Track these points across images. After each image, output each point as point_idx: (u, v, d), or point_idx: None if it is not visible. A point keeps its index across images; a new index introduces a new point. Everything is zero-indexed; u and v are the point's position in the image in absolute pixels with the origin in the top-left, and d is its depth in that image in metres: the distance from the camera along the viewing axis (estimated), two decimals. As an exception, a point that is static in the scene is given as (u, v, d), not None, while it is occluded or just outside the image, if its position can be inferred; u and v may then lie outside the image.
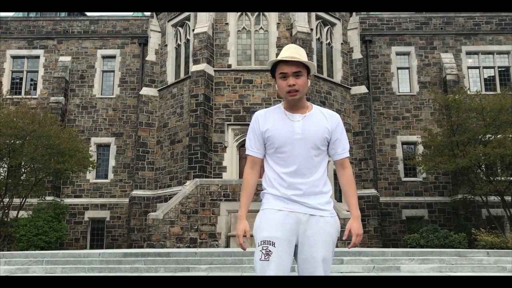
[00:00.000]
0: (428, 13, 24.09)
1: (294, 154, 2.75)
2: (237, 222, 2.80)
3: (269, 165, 2.84)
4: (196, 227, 15.79)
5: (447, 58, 22.29)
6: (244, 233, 2.74)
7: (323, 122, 2.82)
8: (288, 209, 2.70)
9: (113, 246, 20.80)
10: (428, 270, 9.31)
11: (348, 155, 2.91)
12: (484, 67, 22.84)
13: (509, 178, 17.02)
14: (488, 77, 22.86)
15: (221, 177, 17.74)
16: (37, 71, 23.15)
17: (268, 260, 2.59)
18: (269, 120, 2.83)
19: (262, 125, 2.83)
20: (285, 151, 2.77)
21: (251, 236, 2.76)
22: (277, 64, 2.82)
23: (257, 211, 2.81)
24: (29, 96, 22.50)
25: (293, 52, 2.78)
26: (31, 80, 23.33)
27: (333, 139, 2.84)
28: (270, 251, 2.60)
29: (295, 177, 2.74)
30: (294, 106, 2.83)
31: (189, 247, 15.42)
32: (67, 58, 22.91)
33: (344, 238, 2.76)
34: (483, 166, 17.67)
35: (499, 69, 22.77)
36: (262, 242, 2.63)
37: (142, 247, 18.37)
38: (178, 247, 15.32)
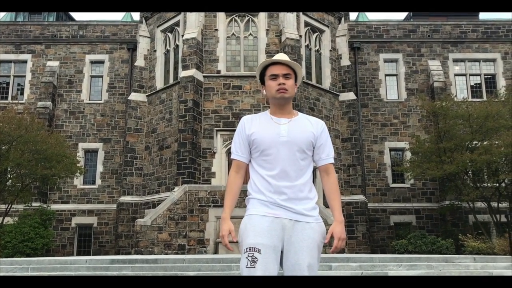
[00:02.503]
0: (415, 20, 24.35)
1: (280, 157, 2.78)
2: (221, 223, 2.79)
3: (254, 170, 2.86)
4: (184, 234, 15.71)
5: (434, 65, 22.53)
6: (229, 232, 2.73)
7: (309, 127, 2.88)
8: (273, 215, 2.70)
9: (101, 252, 20.61)
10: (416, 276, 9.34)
11: (333, 161, 2.94)
12: (471, 75, 23.11)
13: (495, 184, 17.19)
14: (475, 84, 23.13)
15: (210, 183, 17.70)
16: (24, 76, 22.93)
17: (255, 267, 2.58)
18: (255, 124, 2.88)
19: (248, 128, 2.88)
20: (270, 154, 2.79)
21: (236, 242, 2.75)
22: (265, 70, 2.92)
23: (242, 217, 2.79)
24: (16, 101, 22.26)
25: (283, 57, 2.91)
26: (18, 85, 23.11)
27: (318, 144, 2.88)
28: (256, 258, 2.60)
29: (281, 180, 2.75)
30: (281, 111, 2.89)
31: (177, 253, 15.33)
32: (55, 63, 22.75)
33: (325, 241, 2.77)
34: (470, 172, 17.83)
35: (485, 76, 23.05)
36: (248, 249, 2.63)
37: (129, 253, 18.22)
38: (166, 254, 15.22)
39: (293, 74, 2.91)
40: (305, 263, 2.64)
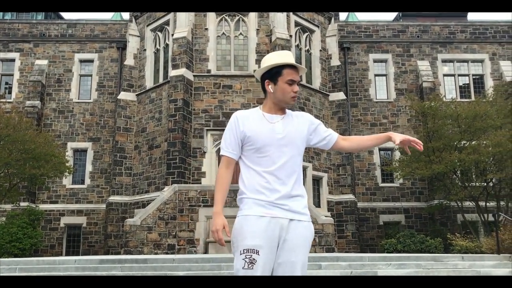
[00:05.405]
0: (405, 21, 24.53)
1: (276, 155, 2.77)
2: (214, 217, 2.73)
3: (248, 167, 2.81)
4: (174, 233, 15.67)
5: (423, 65, 22.68)
6: (223, 227, 2.68)
7: (300, 121, 2.92)
8: (269, 215, 2.68)
9: (90, 252, 20.49)
10: (405, 275, 9.40)
11: (338, 134, 3.04)
12: (459, 75, 23.31)
13: (483, 183, 17.35)
14: (463, 84, 23.34)
15: (200, 183, 17.66)
16: (12, 75, 22.72)
17: (253, 269, 2.57)
18: (249, 121, 2.84)
19: (242, 124, 2.83)
20: (266, 151, 2.77)
21: (229, 242, 2.73)
22: (279, 67, 2.86)
23: (233, 216, 2.77)
24: (4, 100, 22.02)
25: (292, 57, 2.91)
26: (6, 83, 22.89)
27: (312, 129, 2.95)
28: (254, 259, 2.58)
29: (277, 178, 2.74)
30: (277, 110, 2.90)
31: (167, 253, 15.29)
32: (43, 62, 22.55)
33: (397, 141, 2.91)
34: (458, 172, 17.98)
35: (474, 77, 23.26)
36: (245, 251, 2.61)
37: (119, 253, 18.13)
38: (156, 254, 15.17)
39: None
40: (298, 261, 2.64)
